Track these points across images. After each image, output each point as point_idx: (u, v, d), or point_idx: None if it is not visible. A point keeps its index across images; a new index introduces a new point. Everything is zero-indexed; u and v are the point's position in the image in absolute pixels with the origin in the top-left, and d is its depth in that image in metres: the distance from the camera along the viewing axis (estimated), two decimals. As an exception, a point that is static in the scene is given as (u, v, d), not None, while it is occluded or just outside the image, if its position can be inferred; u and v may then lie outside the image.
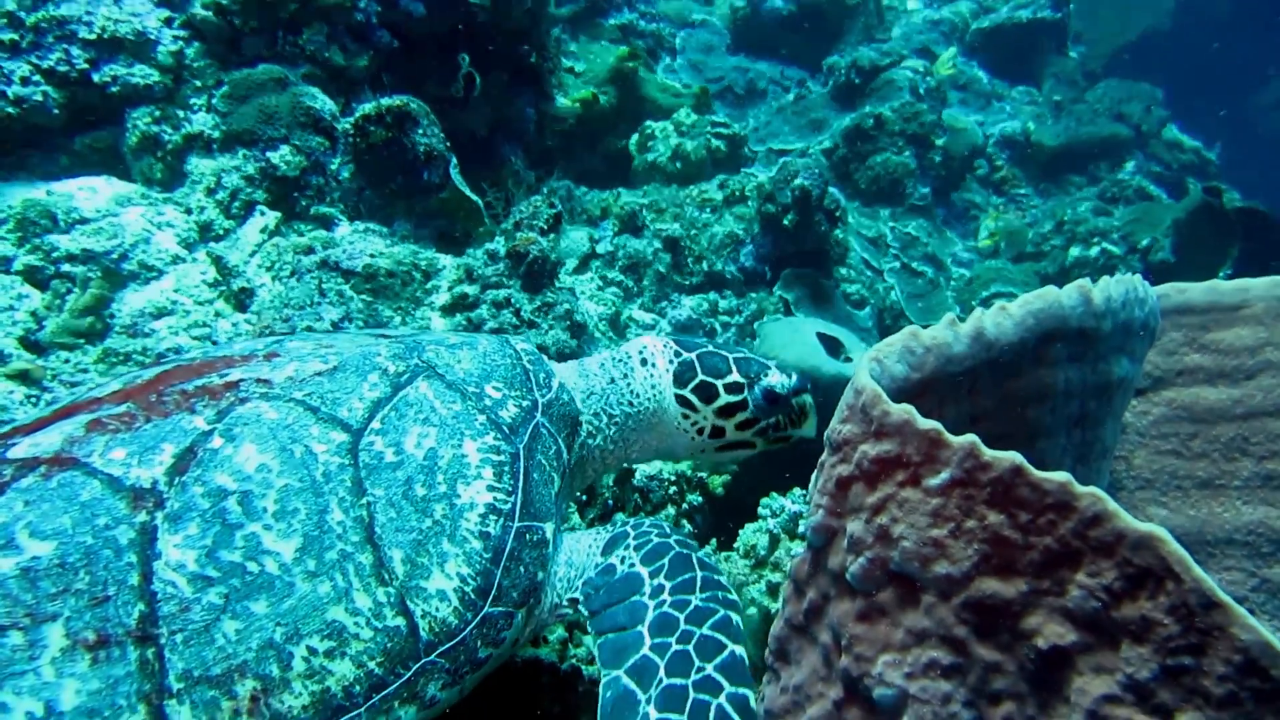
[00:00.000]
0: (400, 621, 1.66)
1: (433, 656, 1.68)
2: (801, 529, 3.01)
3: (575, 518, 3.22)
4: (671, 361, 2.34)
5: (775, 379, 2.31)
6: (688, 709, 1.59)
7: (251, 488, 1.67)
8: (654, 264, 6.52)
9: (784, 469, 3.82)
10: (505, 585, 1.79)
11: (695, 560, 1.89)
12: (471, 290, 4.44)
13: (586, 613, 1.86)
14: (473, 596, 1.75)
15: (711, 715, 1.59)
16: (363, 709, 1.60)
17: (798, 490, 3.22)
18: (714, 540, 3.46)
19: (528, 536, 1.86)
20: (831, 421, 1.56)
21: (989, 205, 10.90)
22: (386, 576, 1.68)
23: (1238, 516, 2.08)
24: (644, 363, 2.35)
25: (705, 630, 1.72)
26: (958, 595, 1.38)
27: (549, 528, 1.92)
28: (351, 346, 2.02)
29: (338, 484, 1.72)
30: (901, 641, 1.42)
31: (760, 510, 3.12)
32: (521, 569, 1.83)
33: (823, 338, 4.55)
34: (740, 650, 1.70)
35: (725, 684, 1.64)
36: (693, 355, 2.33)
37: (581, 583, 1.93)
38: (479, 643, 1.74)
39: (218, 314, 3.21)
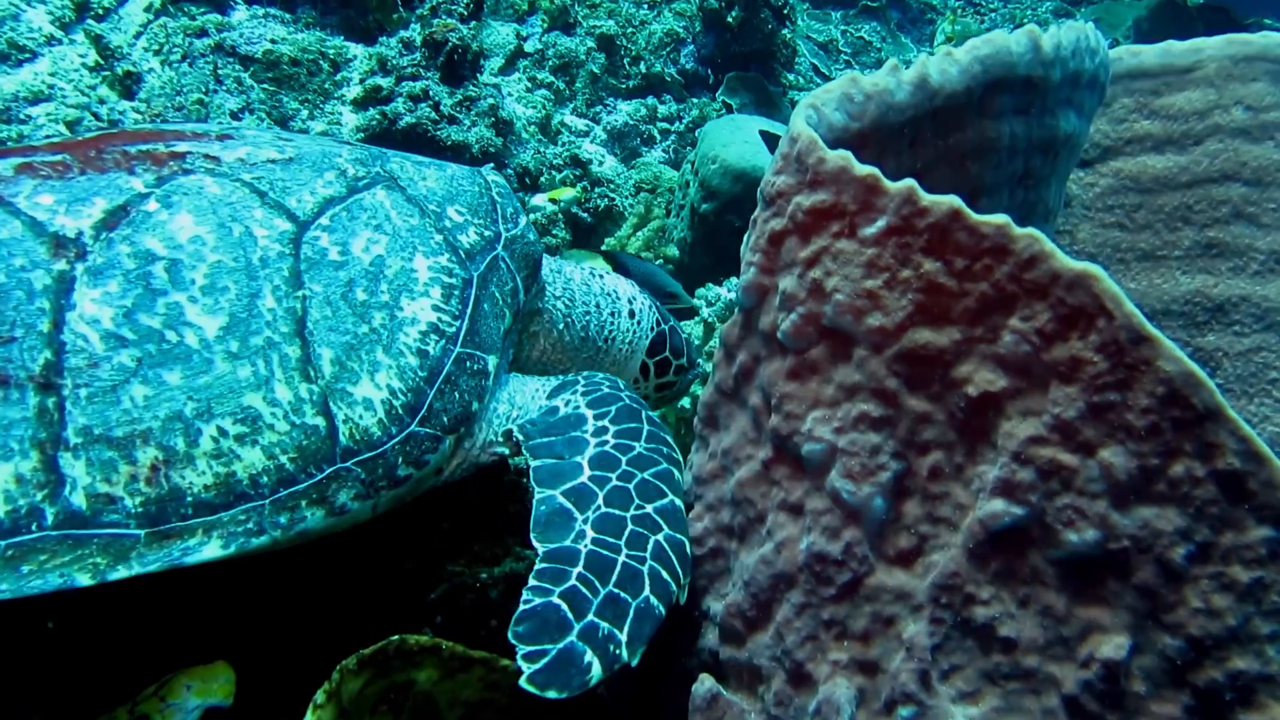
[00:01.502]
0: (319, 422, 1.66)
1: (349, 463, 1.68)
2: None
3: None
4: (655, 327, 2.49)
5: (700, 367, 2.61)
6: (625, 537, 1.60)
7: (181, 257, 1.63)
8: (587, 64, 6.30)
9: (728, 262, 3.84)
10: (437, 408, 1.79)
11: (644, 415, 1.89)
12: (385, 82, 4.26)
13: (522, 437, 1.86)
14: (400, 412, 1.74)
15: (649, 549, 1.59)
16: (267, 500, 1.60)
17: (734, 279, 3.25)
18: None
19: (468, 364, 1.85)
20: (765, 174, 1.55)
21: (946, 8, 10.66)
22: (312, 374, 1.66)
23: (1176, 287, 2.16)
24: (632, 315, 2.45)
25: (647, 475, 1.73)
26: (890, 347, 1.41)
27: (492, 360, 1.90)
28: (312, 145, 1.97)
29: (274, 271, 1.69)
30: (831, 397, 1.46)
31: (695, 300, 3.15)
32: (456, 394, 1.82)
33: (766, 136, 4.49)
34: (680, 503, 1.71)
35: (664, 525, 1.65)
36: (667, 328, 2.51)
37: (520, 423, 1.93)
38: (400, 459, 1.73)
39: (101, 100, 3.03)
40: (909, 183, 1.38)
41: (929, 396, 1.41)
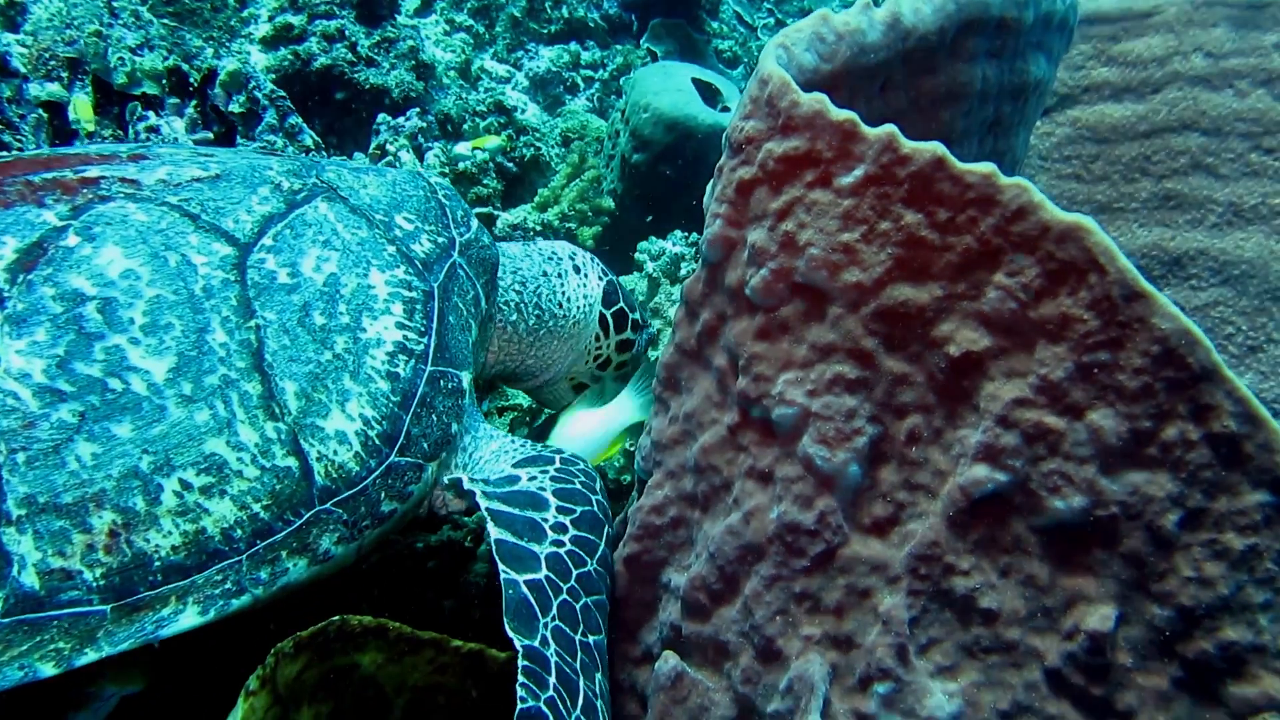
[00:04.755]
0: (292, 462, 1.51)
1: (328, 505, 1.53)
2: (681, 267, 2.93)
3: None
4: (601, 278, 2.35)
5: (650, 326, 2.48)
6: (579, 662, 1.48)
7: (115, 295, 1.45)
8: (507, 7, 6.07)
9: (661, 216, 3.73)
10: (415, 434, 1.65)
11: (605, 532, 1.73)
12: (297, 21, 4.00)
13: (479, 492, 1.69)
14: (377, 442, 1.60)
15: (597, 684, 1.49)
16: (244, 555, 1.45)
17: (678, 232, 3.14)
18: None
19: (442, 383, 1.71)
20: (731, 118, 1.43)
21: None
22: (277, 410, 1.51)
23: (1132, 240, 2.12)
24: (577, 270, 2.32)
25: (589, 601, 1.59)
26: (867, 305, 1.33)
27: (466, 376, 1.77)
28: (235, 159, 1.80)
29: (221, 301, 1.53)
30: (804, 358, 1.37)
31: (638, 256, 3.03)
32: (434, 417, 1.68)
33: (698, 84, 4.36)
34: (605, 642, 1.61)
35: (600, 664, 1.54)
36: (613, 278, 2.38)
37: (480, 479, 1.77)
38: (383, 494, 1.59)
39: (-20, 33, 2.75)
40: (889, 128, 1.28)
41: (908, 357, 1.33)
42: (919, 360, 1.32)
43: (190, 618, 1.40)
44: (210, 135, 2.79)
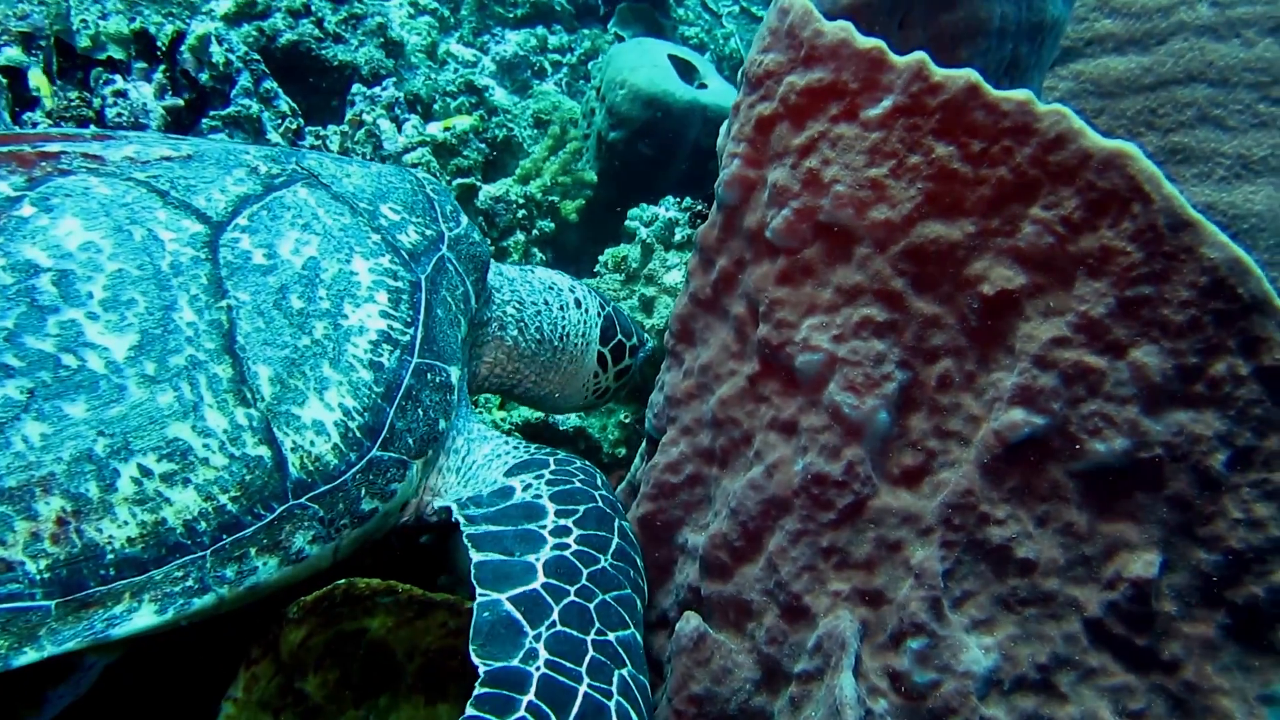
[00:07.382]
0: (263, 451, 1.41)
1: (303, 499, 1.43)
2: (682, 236, 2.85)
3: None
4: (600, 310, 2.29)
5: (649, 343, 2.44)
6: (586, 664, 1.35)
7: (73, 267, 1.36)
8: (472, -11, 5.96)
9: (640, 194, 3.65)
10: (399, 427, 1.55)
11: (616, 524, 1.60)
12: (261, -5, 3.87)
13: (463, 520, 1.55)
14: (358, 435, 1.50)
15: (615, 682, 1.34)
16: (208, 551, 1.34)
17: (670, 198, 3.07)
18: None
19: (429, 376, 1.62)
20: (750, 52, 1.37)
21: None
22: (249, 396, 1.42)
23: (1138, 194, 2.08)
24: (578, 304, 2.25)
25: (609, 597, 1.46)
26: (896, 243, 1.27)
27: (454, 371, 1.68)
28: (210, 144, 1.72)
29: (190, 279, 1.44)
30: (829, 302, 1.32)
31: (629, 223, 2.95)
32: (420, 411, 1.59)
33: (675, 60, 4.29)
34: (641, 640, 1.46)
35: (628, 661, 1.39)
36: (611, 310, 2.33)
37: (466, 498, 1.66)
38: (363, 491, 1.49)
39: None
40: (919, 56, 1.23)
41: (938, 298, 1.27)
42: (950, 301, 1.27)
43: (146, 617, 1.30)
44: (180, 102, 2.67)
